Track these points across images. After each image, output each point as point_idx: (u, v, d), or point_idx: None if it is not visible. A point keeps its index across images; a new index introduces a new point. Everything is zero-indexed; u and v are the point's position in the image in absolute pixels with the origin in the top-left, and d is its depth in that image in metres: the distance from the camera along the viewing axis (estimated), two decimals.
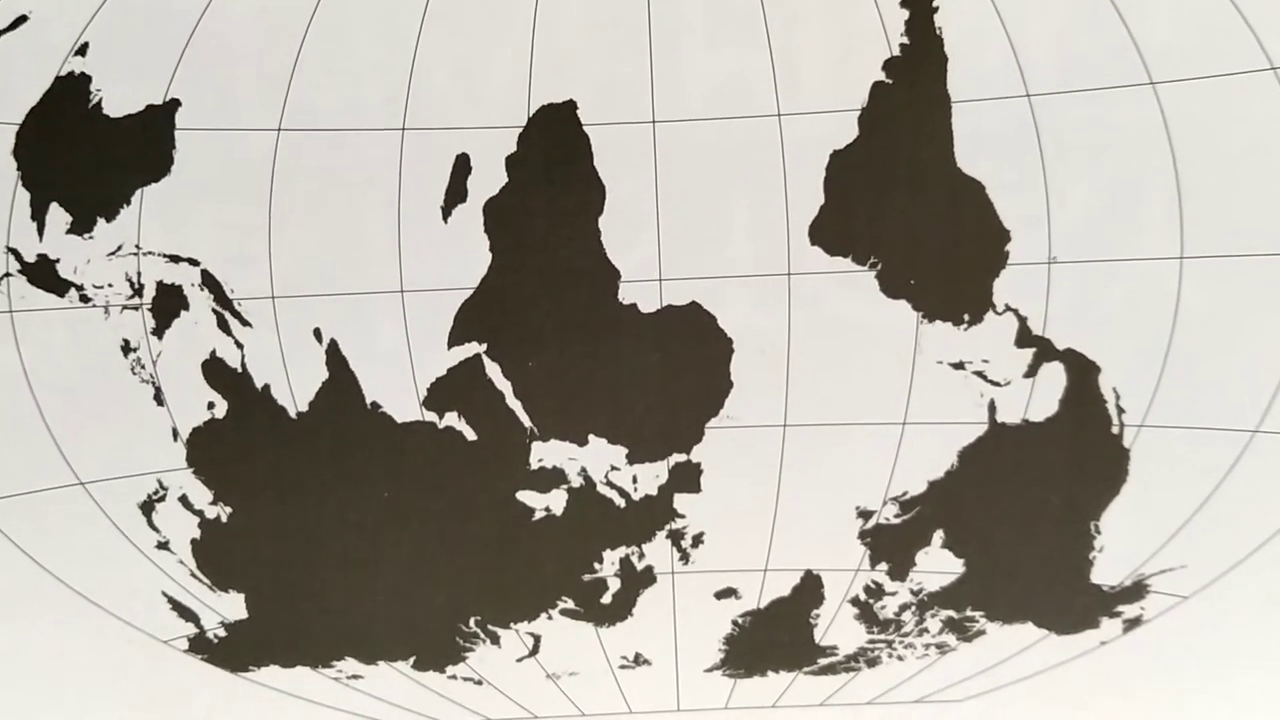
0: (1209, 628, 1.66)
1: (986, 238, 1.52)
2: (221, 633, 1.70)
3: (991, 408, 1.58)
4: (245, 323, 1.55)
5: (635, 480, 1.63)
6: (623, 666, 1.75)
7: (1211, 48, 1.45)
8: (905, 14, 1.47)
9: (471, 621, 1.71)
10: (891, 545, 1.66)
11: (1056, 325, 1.54)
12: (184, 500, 1.62)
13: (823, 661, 1.74)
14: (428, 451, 1.61)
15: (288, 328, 1.55)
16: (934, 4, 1.47)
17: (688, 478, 1.62)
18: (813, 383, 1.57)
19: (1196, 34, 1.45)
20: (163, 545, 1.64)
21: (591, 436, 1.61)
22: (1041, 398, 1.57)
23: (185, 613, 1.68)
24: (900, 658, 1.73)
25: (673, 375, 1.58)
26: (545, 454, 1.62)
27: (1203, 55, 1.45)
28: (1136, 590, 1.65)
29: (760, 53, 1.48)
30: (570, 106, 1.50)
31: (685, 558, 1.67)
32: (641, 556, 1.67)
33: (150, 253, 1.52)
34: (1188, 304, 1.51)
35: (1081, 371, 1.55)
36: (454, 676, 1.74)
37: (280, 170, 1.50)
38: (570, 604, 1.70)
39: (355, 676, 1.74)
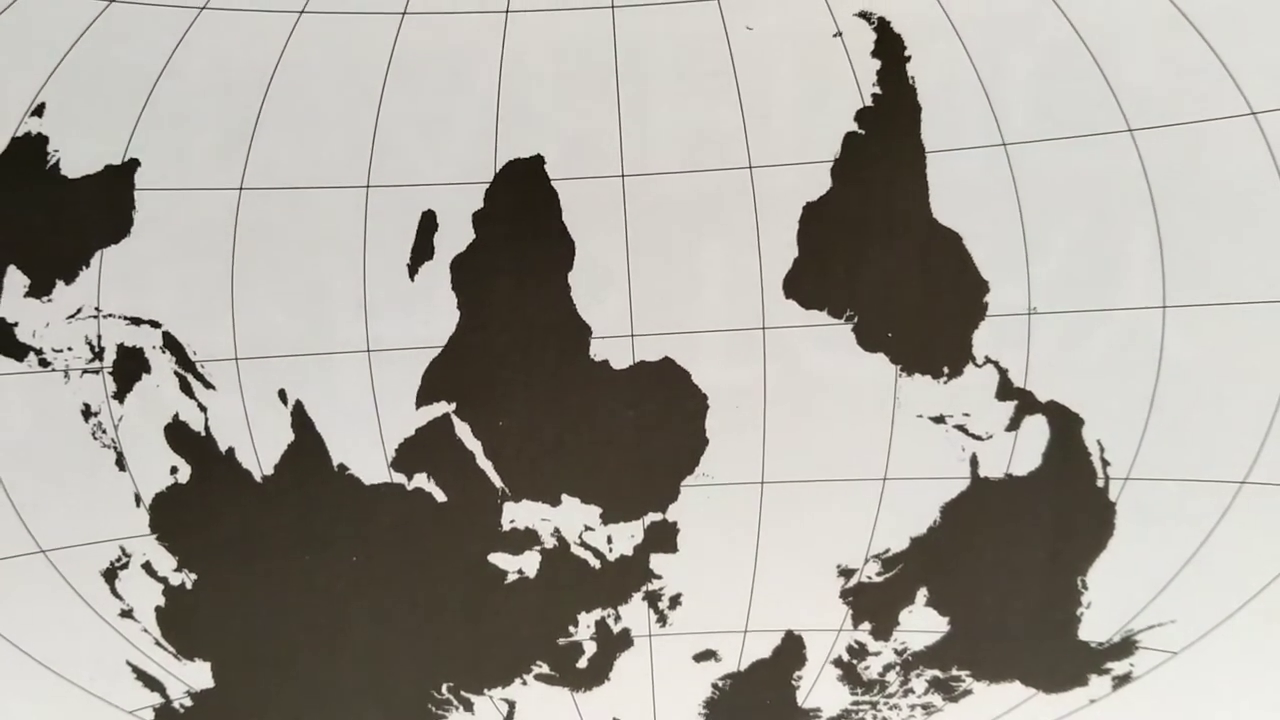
0: (1200, 684, 1.62)
1: (965, 289, 1.49)
2: (188, 702, 1.66)
3: (974, 462, 1.55)
4: (208, 385, 1.52)
5: (610, 540, 1.59)
6: None
7: (1189, 93, 1.43)
8: (877, 63, 1.45)
9: (444, 688, 1.67)
10: (874, 604, 1.62)
11: (1038, 377, 1.51)
12: (147, 567, 1.58)
13: None
14: (396, 514, 1.57)
15: (251, 389, 1.52)
16: (906, 53, 1.44)
17: (664, 537, 1.59)
18: (790, 438, 1.54)
19: (1174, 79, 1.42)
20: (126, 613, 1.60)
21: (564, 496, 1.58)
22: (1024, 451, 1.54)
23: (150, 682, 1.64)
24: (886, 719, 1.69)
25: (647, 432, 1.55)
26: (517, 515, 1.58)
27: (1181, 101, 1.43)
28: (1125, 646, 1.61)
29: (730, 104, 1.46)
30: (538, 161, 1.47)
31: (663, 619, 1.63)
32: (618, 619, 1.64)
33: (110, 315, 1.49)
34: (1171, 353, 1.49)
35: (1065, 424, 1.52)
36: None
37: (242, 229, 1.47)
38: (545, 668, 1.66)
39: None
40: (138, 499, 1.55)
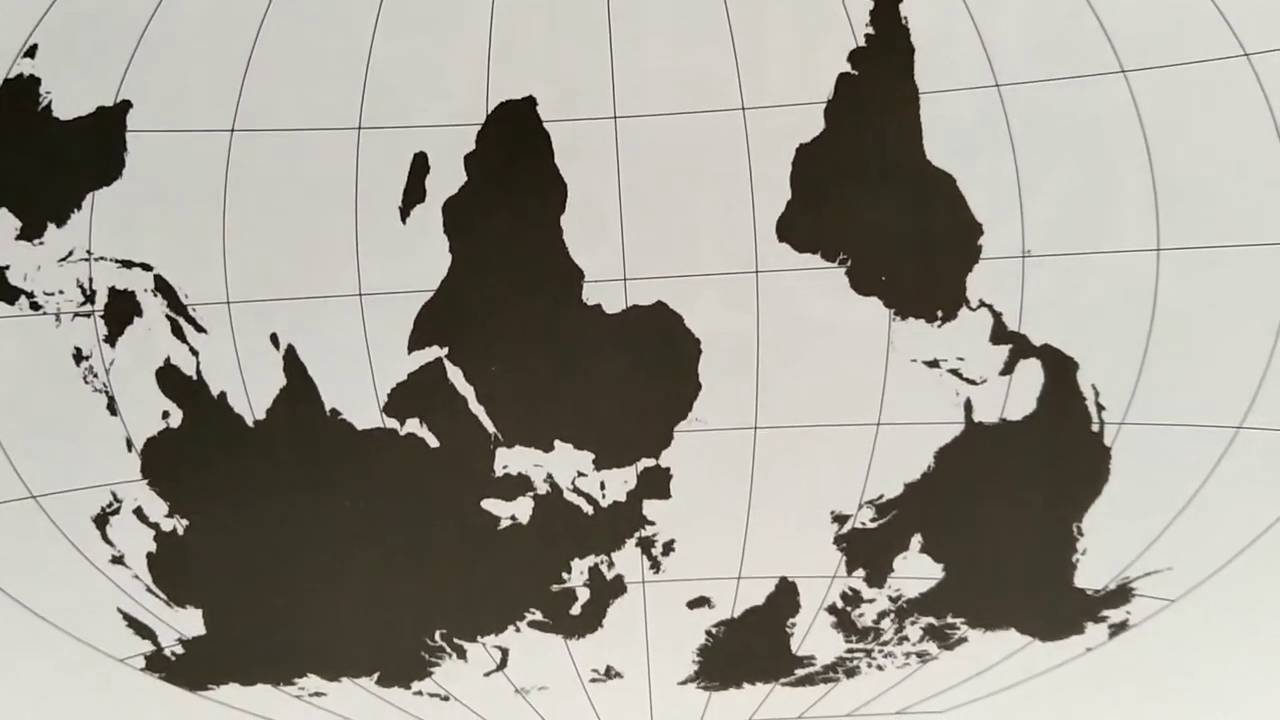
0: (1197, 632, 1.61)
1: (958, 232, 1.49)
2: (179, 650, 1.65)
3: (968, 407, 1.54)
4: (200, 329, 1.51)
5: (603, 486, 1.59)
6: (594, 680, 1.70)
7: (1183, 34, 1.42)
8: (870, 4, 1.44)
9: (437, 635, 1.67)
10: (868, 550, 1.61)
11: (1032, 321, 1.50)
12: (139, 513, 1.58)
13: (800, 672, 1.70)
14: (389, 459, 1.56)
15: (244, 333, 1.52)
16: None
17: (657, 483, 1.58)
18: (784, 383, 1.54)
19: (1167, 20, 1.42)
20: (117, 559, 1.60)
21: (557, 442, 1.57)
22: (1019, 396, 1.53)
23: (141, 629, 1.64)
24: (880, 667, 1.69)
25: (639, 378, 1.54)
26: (510, 460, 1.58)
27: (1174, 42, 1.42)
28: (1121, 594, 1.61)
29: (723, 45, 1.46)
30: (530, 103, 1.47)
31: (656, 566, 1.63)
32: (611, 565, 1.63)
33: (102, 258, 1.49)
34: (1166, 297, 1.48)
35: (1059, 368, 1.52)
36: (420, 692, 1.70)
37: (234, 172, 1.47)
38: (538, 615, 1.66)
39: (318, 694, 1.69)
40: (129, 444, 1.55)
